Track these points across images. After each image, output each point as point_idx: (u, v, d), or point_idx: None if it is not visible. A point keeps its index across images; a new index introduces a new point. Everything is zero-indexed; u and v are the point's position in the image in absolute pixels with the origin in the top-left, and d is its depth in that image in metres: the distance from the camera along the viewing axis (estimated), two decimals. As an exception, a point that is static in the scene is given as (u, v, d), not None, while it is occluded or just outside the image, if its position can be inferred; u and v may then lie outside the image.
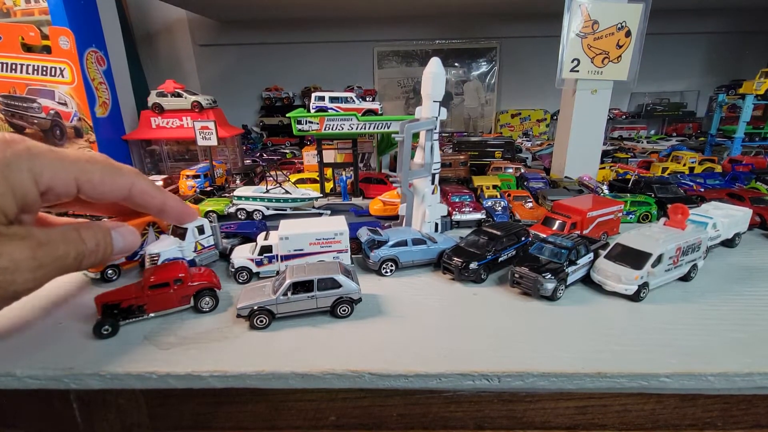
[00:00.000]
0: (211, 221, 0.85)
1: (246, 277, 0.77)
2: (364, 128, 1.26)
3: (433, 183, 0.93)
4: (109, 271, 0.78)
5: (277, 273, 0.77)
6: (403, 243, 0.80)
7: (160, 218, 0.47)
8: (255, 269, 0.77)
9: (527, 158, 1.82)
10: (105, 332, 0.59)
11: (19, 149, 0.36)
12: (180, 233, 0.80)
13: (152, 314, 0.64)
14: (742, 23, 2.48)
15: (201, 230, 0.82)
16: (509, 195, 1.14)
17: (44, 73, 1.24)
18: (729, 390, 0.53)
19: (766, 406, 0.56)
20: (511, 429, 0.58)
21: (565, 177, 1.34)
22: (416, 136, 0.89)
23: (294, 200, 1.11)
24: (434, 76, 0.85)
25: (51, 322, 0.63)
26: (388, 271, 0.79)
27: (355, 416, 0.58)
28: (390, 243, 0.80)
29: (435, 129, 0.89)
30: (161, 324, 0.63)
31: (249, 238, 0.90)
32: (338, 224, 0.79)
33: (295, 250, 0.76)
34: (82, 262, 0.41)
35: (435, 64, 0.85)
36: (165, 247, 0.76)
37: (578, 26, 1.19)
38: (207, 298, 0.67)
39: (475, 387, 0.52)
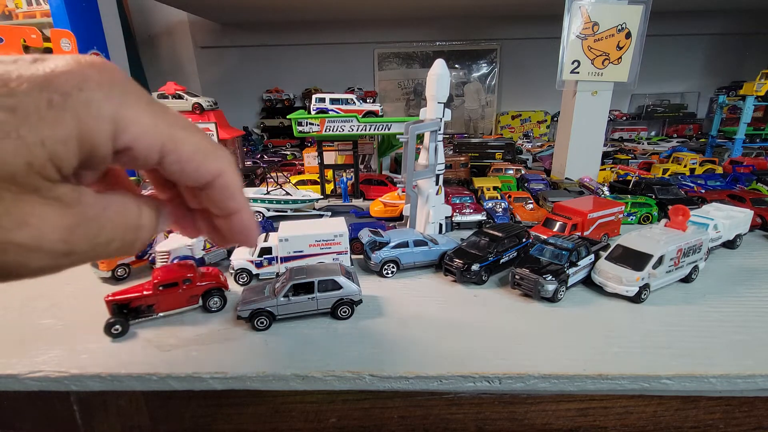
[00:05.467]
0: None
1: (246, 278, 0.77)
2: (365, 130, 1.26)
3: (437, 184, 0.93)
4: (119, 270, 0.78)
5: (277, 275, 0.77)
6: (405, 244, 0.80)
7: (217, 224, 0.32)
8: (255, 271, 0.77)
9: (528, 160, 1.82)
10: (115, 332, 0.60)
11: (114, 79, 0.24)
12: None
13: (161, 314, 0.65)
14: (743, 25, 2.49)
15: None
16: (510, 196, 1.14)
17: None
18: (731, 392, 0.53)
19: (768, 408, 0.56)
20: (512, 431, 0.58)
21: (566, 178, 1.34)
22: (420, 137, 0.90)
23: (295, 202, 1.11)
24: (438, 77, 0.85)
25: (52, 324, 0.63)
26: (390, 272, 0.79)
27: (355, 418, 0.57)
28: (391, 244, 0.80)
29: (439, 130, 0.89)
30: (162, 325, 0.63)
31: None
32: (338, 226, 0.79)
33: (295, 252, 0.76)
34: (119, 252, 0.28)
35: (439, 66, 0.85)
36: (175, 246, 0.77)
37: (578, 28, 1.19)
38: (215, 298, 0.67)
39: (475, 389, 0.52)
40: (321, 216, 1.11)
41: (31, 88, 0.21)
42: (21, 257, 0.22)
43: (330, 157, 1.38)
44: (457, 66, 2.72)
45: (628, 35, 1.20)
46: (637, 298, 0.67)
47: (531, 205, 1.10)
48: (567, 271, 0.70)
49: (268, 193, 1.10)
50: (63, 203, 0.23)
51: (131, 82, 0.26)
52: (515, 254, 0.81)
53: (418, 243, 0.81)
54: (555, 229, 0.88)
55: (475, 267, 0.74)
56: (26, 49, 1.16)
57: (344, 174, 1.36)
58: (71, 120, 0.22)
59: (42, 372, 0.52)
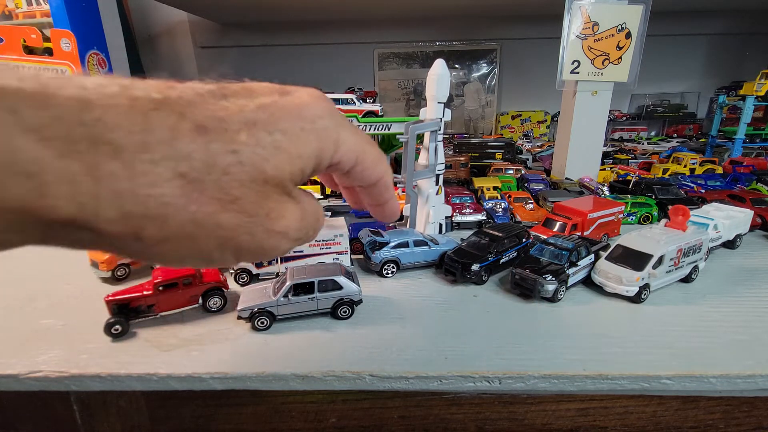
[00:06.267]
0: None
1: (246, 278, 0.77)
2: (365, 130, 1.26)
3: (437, 184, 0.93)
4: (119, 270, 0.78)
5: (277, 275, 0.77)
6: (405, 245, 0.80)
7: (366, 209, 0.42)
8: (255, 271, 0.77)
9: (528, 160, 1.82)
10: (115, 332, 0.60)
11: (332, 108, 0.31)
12: None
13: (161, 314, 0.65)
14: (743, 25, 2.49)
15: None
16: (510, 196, 1.14)
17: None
18: (731, 392, 0.53)
19: (768, 408, 0.56)
20: (512, 431, 0.58)
21: (566, 178, 1.34)
22: (420, 137, 0.89)
23: None
24: (439, 77, 0.85)
25: (52, 324, 0.63)
26: (390, 272, 0.79)
27: (355, 418, 0.57)
28: (391, 244, 0.80)
29: (439, 130, 0.89)
30: (162, 325, 0.63)
31: None
32: (338, 226, 0.79)
33: (295, 252, 0.76)
34: (312, 237, 0.34)
35: (439, 65, 0.85)
36: None
37: (578, 28, 1.19)
38: (216, 298, 0.67)
39: (475, 389, 0.52)
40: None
41: (290, 116, 0.28)
42: (278, 242, 0.29)
43: (330, 157, 1.38)
44: (457, 66, 2.72)
45: (628, 35, 1.20)
46: (637, 298, 0.67)
47: (531, 205, 1.10)
48: (567, 271, 0.70)
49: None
50: (296, 201, 0.30)
51: (337, 109, 0.33)
52: (515, 254, 0.81)
53: (418, 243, 0.81)
54: (555, 229, 0.88)
55: (475, 267, 0.74)
56: (26, 49, 1.16)
57: (344, 174, 1.36)
58: (314, 141, 0.29)
59: (42, 372, 0.52)
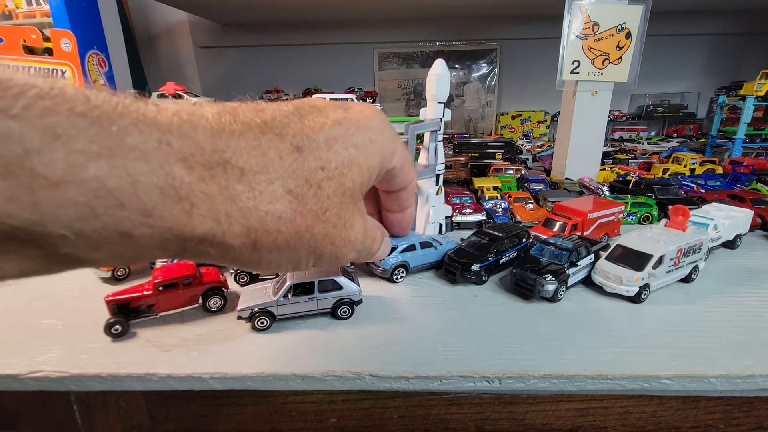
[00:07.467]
0: None
1: (246, 278, 0.77)
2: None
3: (437, 184, 0.93)
4: (119, 270, 0.78)
5: (277, 275, 0.77)
6: (412, 247, 0.79)
7: (389, 218, 0.41)
8: (254, 270, 0.77)
9: (528, 160, 1.82)
10: (115, 332, 0.60)
11: (387, 122, 0.32)
12: None
13: (161, 314, 0.65)
14: (743, 25, 2.49)
15: None
16: (510, 196, 1.14)
17: (46, 75, 1.24)
18: (731, 392, 0.53)
19: (768, 408, 0.56)
20: (512, 431, 0.58)
21: (566, 178, 1.34)
22: (420, 137, 0.89)
23: None
24: (439, 77, 0.85)
25: (52, 324, 0.63)
26: (400, 277, 0.78)
27: (355, 418, 0.57)
28: (399, 249, 0.79)
29: (439, 130, 0.89)
30: (162, 325, 0.63)
31: None
32: None
33: None
34: (364, 258, 0.35)
35: (439, 65, 0.85)
36: None
37: (578, 28, 1.19)
38: (216, 298, 0.67)
39: (475, 389, 0.52)
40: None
41: (360, 129, 0.29)
42: (348, 251, 0.30)
43: (330, 157, 1.38)
44: (457, 66, 2.72)
45: (628, 35, 1.20)
46: (637, 298, 0.67)
47: (531, 205, 1.10)
48: (567, 271, 0.70)
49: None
50: (362, 214, 0.31)
51: (389, 121, 0.34)
52: (515, 254, 0.81)
53: (424, 245, 0.81)
54: (555, 229, 0.88)
55: (475, 267, 0.74)
56: (26, 49, 1.16)
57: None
58: (379, 153, 0.31)
59: (42, 372, 0.52)
